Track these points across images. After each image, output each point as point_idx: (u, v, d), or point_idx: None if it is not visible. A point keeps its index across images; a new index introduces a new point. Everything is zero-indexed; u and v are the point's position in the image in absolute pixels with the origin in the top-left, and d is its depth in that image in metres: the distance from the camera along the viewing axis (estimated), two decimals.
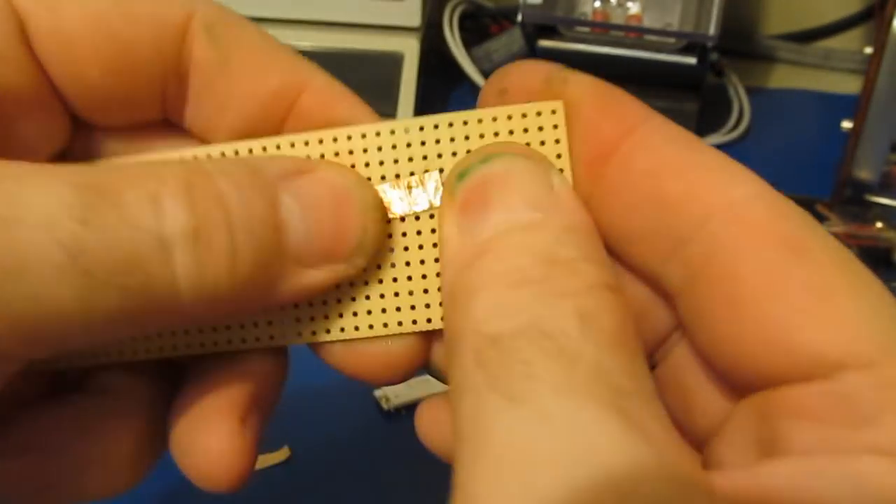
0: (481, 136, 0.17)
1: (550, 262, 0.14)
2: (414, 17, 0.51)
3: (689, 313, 0.16)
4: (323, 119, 0.18)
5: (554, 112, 0.17)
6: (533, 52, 0.52)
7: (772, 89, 0.60)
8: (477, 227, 0.15)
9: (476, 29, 0.59)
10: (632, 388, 0.13)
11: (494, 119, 0.17)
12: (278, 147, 0.18)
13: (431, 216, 0.18)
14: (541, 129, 0.17)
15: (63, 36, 0.17)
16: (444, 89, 0.57)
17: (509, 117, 0.17)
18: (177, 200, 0.15)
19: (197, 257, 0.15)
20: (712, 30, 0.47)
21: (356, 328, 0.18)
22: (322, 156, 0.18)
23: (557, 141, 0.17)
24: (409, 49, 0.52)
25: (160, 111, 0.19)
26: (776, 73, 0.61)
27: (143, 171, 0.15)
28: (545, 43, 0.50)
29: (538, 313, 0.13)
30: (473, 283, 0.14)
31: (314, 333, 0.18)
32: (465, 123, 0.17)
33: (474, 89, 0.54)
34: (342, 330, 0.18)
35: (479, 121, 0.17)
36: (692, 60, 0.48)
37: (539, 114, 0.17)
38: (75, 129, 0.19)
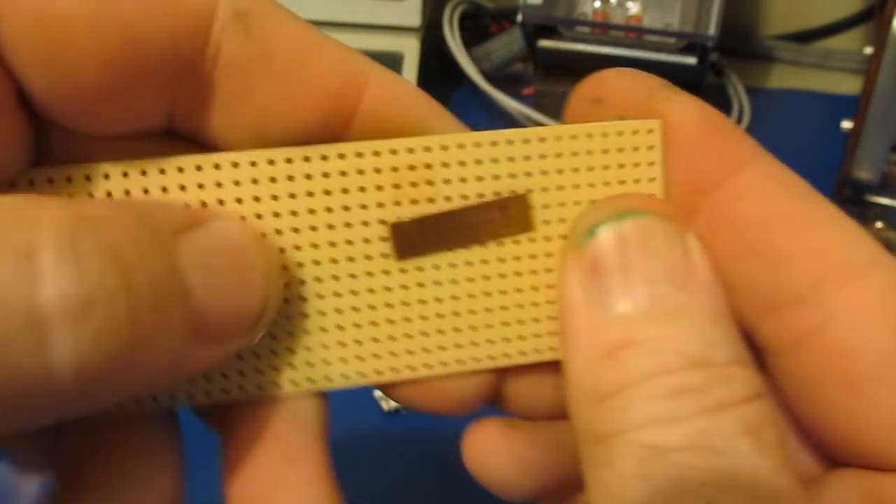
0: (574, 153, 0.16)
1: (704, 365, 0.13)
2: (414, 17, 0.51)
3: (787, 376, 0.15)
4: (399, 125, 0.15)
5: (651, 131, 0.16)
6: (533, 52, 0.52)
7: (772, 89, 0.60)
8: (612, 298, 0.14)
9: (476, 29, 0.59)
10: None
11: (589, 135, 0.16)
12: (342, 156, 0.15)
13: (516, 241, 0.16)
14: (635, 148, 0.16)
15: (50, 23, 0.13)
16: (444, 89, 0.57)
17: (604, 135, 0.16)
18: (58, 260, 0.11)
19: (86, 336, 0.11)
20: (712, 30, 0.47)
21: (426, 365, 0.17)
22: (394, 169, 0.15)
23: (652, 163, 0.16)
24: (409, 49, 0.52)
25: (165, 119, 0.15)
26: (776, 73, 0.61)
27: (16, 215, 0.11)
28: (545, 43, 0.50)
29: (703, 426, 0.13)
30: (621, 380, 0.14)
31: (379, 373, 0.17)
32: (558, 139, 0.16)
33: (474, 89, 0.54)
34: (411, 368, 0.17)
35: (573, 137, 0.16)
36: (692, 60, 0.48)
37: (635, 132, 0.16)
38: (37, 136, 0.15)
